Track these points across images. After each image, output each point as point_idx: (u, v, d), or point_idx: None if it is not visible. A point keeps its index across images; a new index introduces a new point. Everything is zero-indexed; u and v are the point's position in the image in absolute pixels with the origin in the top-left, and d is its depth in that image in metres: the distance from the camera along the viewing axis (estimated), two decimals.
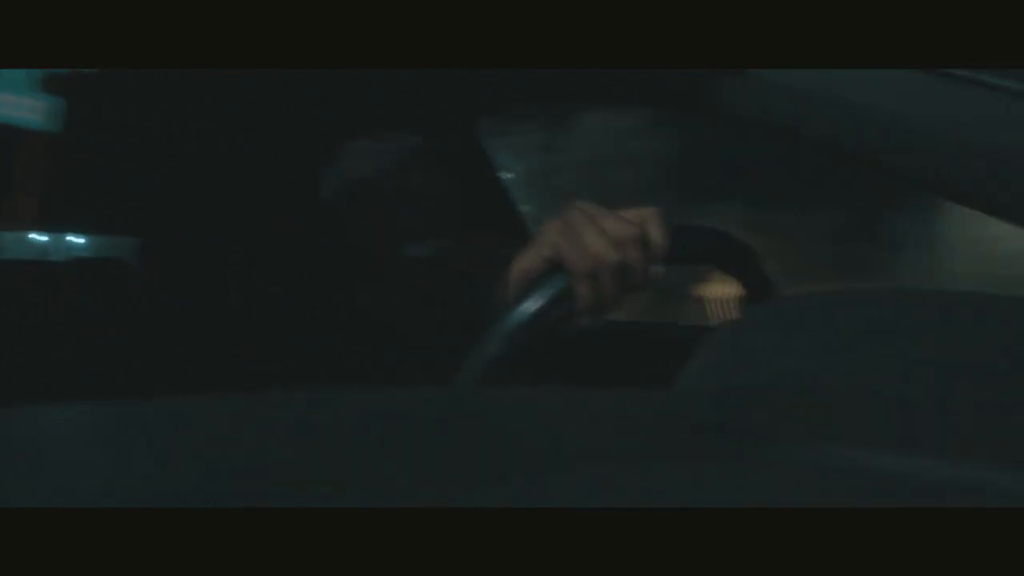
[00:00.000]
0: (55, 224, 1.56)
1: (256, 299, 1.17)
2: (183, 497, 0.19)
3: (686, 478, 0.23)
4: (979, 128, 0.65)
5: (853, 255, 4.93)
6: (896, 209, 4.72)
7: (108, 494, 0.20)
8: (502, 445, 0.25)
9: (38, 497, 0.19)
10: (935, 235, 4.58)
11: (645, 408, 0.31)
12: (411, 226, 1.06)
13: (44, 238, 2.24)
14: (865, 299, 0.43)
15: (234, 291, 1.18)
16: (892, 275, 4.81)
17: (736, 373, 0.36)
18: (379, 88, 1.15)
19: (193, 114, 1.25)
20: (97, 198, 1.32)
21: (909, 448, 0.25)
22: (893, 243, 4.89)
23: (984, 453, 0.25)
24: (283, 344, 1.02)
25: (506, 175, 1.57)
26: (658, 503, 0.20)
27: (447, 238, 1.07)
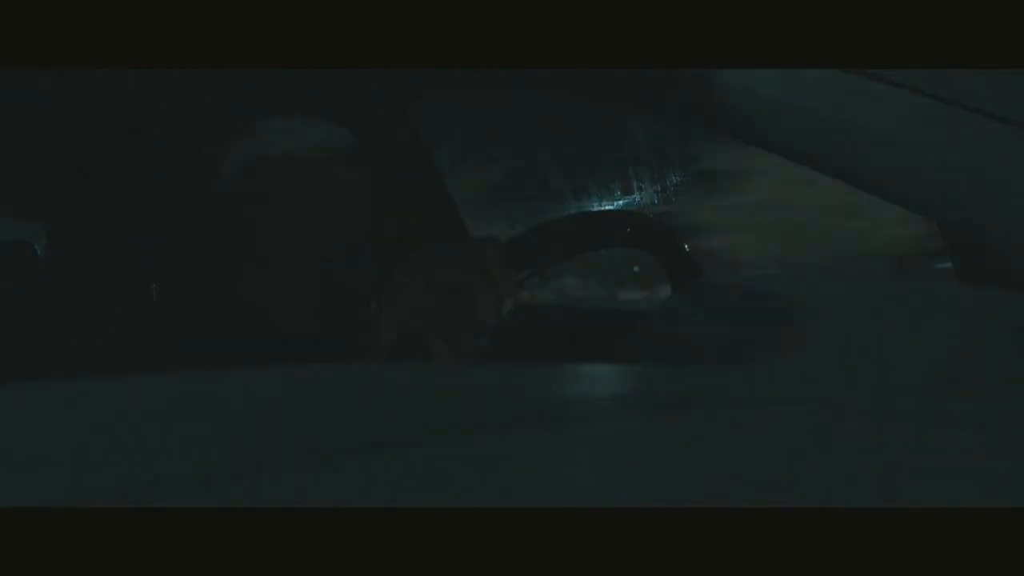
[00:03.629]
0: None
1: (150, 287, 1.13)
2: (79, 483, 0.19)
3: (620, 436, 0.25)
4: (888, 124, 0.70)
5: None
6: None
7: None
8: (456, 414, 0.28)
9: None
10: None
11: (589, 381, 0.34)
12: (311, 214, 0.97)
13: None
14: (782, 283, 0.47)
15: (133, 279, 1.14)
16: None
17: (668, 349, 0.40)
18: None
19: (101, 97, 1.21)
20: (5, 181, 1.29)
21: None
22: None
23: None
24: (178, 332, 0.98)
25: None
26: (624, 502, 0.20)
27: (353, 232, 0.98)
